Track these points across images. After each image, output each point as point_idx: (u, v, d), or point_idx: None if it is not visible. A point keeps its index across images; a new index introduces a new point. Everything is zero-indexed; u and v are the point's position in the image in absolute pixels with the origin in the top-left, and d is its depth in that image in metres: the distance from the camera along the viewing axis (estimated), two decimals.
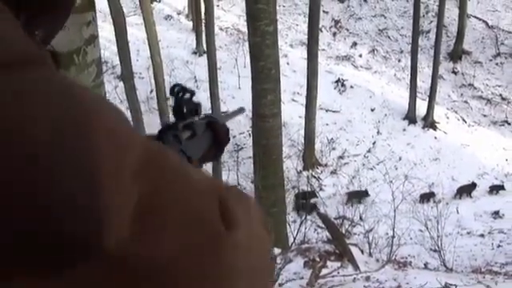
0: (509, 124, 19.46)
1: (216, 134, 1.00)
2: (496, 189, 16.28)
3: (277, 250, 7.38)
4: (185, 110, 0.93)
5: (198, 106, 0.96)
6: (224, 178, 13.14)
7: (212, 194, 0.44)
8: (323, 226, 9.09)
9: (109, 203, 0.34)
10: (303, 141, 17.08)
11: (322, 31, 19.82)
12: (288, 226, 10.53)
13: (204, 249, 0.40)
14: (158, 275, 0.37)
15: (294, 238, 9.75)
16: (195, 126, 0.94)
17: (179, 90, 0.92)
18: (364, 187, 15.72)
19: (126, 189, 0.36)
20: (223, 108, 16.85)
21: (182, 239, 0.39)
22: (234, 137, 17.58)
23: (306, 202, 13.04)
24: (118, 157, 0.36)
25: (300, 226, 10.22)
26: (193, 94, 0.95)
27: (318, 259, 6.17)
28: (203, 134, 0.98)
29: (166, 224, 0.38)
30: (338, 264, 6.16)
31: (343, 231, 9.82)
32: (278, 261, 6.55)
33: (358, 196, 15.42)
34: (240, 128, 17.78)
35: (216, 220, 0.42)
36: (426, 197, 15.63)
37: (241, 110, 1.26)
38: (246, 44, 10.86)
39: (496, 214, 15.21)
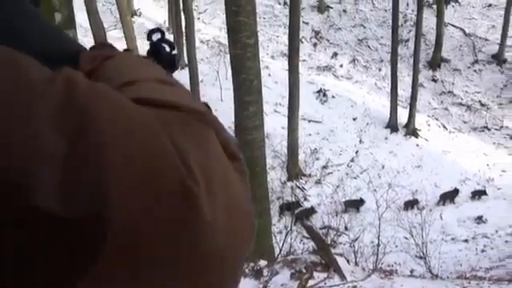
0: (489, 130, 19.71)
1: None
2: (478, 194, 16.45)
3: (263, 262, 7.36)
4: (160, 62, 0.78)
5: (175, 59, 0.83)
6: None
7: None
8: (309, 236, 9.10)
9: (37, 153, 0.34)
10: (286, 152, 17.11)
11: (302, 42, 19.96)
12: (274, 237, 10.51)
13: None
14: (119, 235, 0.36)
15: (280, 249, 9.74)
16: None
17: (158, 37, 0.80)
18: (348, 196, 15.78)
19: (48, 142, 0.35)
20: None
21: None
22: None
23: (292, 212, 13.05)
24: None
25: (286, 236, 10.21)
26: (172, 46, 0.83)
27: (304, 270, 6.16)
28: None
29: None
30: (325, 275, 6.16)
31: (329, 241, 9.84)
32: (265, 273, 6.53)
33: (354, 205, 15.52)
34: None
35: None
36: (410, 204, 15.73)
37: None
38: (228, 56, 10.88)
39: (479, 219, 15.36)
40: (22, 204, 0.34)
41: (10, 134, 0.34)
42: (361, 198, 15.61)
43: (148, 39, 0.80)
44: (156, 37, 0.80)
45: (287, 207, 13.92)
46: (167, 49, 0.81)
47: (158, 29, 0.81)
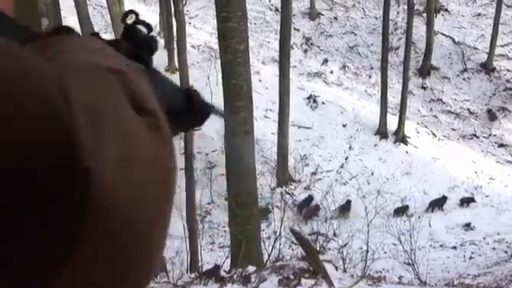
0: (477, 137, 19.86)
1: (192, 102, 0.84)
2: (467, 201, 16.55)
3: (251, 268, 7.34)
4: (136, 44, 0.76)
5: (153, 40, 0.79)
6: (197, 195, 13.05)
7: None
8: (297, 242, 9.09)
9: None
10: (276, 157, 17.12)
11: (293, 48, 20.02)
12: (263, 243, 10.49)
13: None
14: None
15: (269, 255, 9.72)
16: (149, 60, 0.78)
17: (132, 19, 0.77)
18: (338, 202, 15.82)
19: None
20: None
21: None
22: (207, 154, 17.53)
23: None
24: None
25: (274, 242, 10.19)
26: (150, 28, 0.79)
27: (292, 277, 6.16)
28: (169, 84, 0.83)
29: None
30: (312, 282, 6.16)
31: (318, 247, 9.83)
32: (253, 279, 6.51)
33: (345, 209, 15.78)
34: (213, 145, 17.74)
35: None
36: (401, 210, 15.80)
37: (221, 113, 1.14)
38: (219, 61, 10.89)
39: (467, 226, 15.44)
40: None
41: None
42: (347, 200, 15.90)
43: (122, 22, 0.77)
44: (130, 19, 0.77)
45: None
46: (144, 31, 0.78)
47: (131, 11, 0.78)
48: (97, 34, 0.66)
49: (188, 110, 0.83)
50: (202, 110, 0.86)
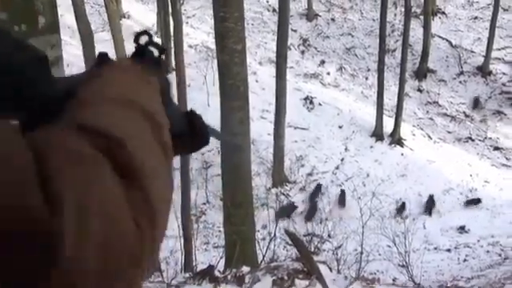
0: (472, 140, 19.90)
1: (193, 124, 0.89)
2: (473, 202, 16.66)
3: (246, 269, 7.34)
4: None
5: (162, 63, 0.80)
6: (192, 195, 13.04)
7: None
8: (292, 243, 9.09)
9: None
10: (272, 158, 17.12)
11: (290, 49, 20.03)
12: (257, 244, 10.50)
13: None
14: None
15: (264, 256, 9.72)
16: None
17: (145, 40, 0.77)
18: (333, 203, 15.86)
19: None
20: None
21: None
22: (203, 154, 17.51)
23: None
24: None
25: (269, 243, 10.20)
26: (161, 50, 0.80)
27: (286, 278, 6.16)
28: (176, 110, 0.85)
29: None
30: (306, 282, 6.16)
31: (312, 248, 9.83)
32: (247, 280, 6.51)
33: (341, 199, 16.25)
34: (209, 145, 17.69)
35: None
36: (402, 209, 16.10)
37: (218, 135, 1.18)
38: (215, 61, 10.88)
39: (462, 229, 15.49)
40: None
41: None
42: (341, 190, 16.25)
43: (135, 42, 0.77)
44: (143, 40, 0.77)
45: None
46: (155, 52, 0.78)
47: (145, 31, 0.78)
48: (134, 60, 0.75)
49: (190, 133, 0.88)
50: (203, 133, 0.91)
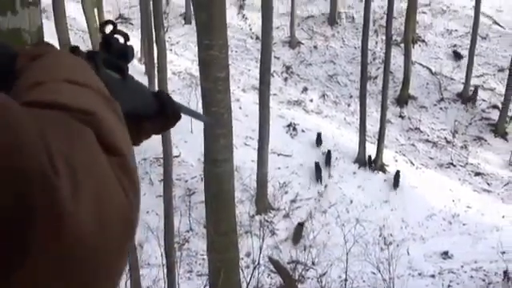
0: (454, 166, 20.10)
1: (163, 104, 0.90)
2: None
3: None
4: (113, 52, 0.80)
5: (129, 49, 0.83)
6: (176, 223, 12.92)
7: None
8: (276, 271, 9.03)
9: None
10: (256, 185, 17.09)
11: (273, 76, 20.20)
12: (241, 272, 10.41)
13: None
14: None
15: (248, 284, 9.64)
16: (125, 68, 0.81)
17: (110, 29, 0.81)
18: (316, 231, 15.79)
19: None
20: (175, 152, 16.74)
21: None
22: (186, 181, 17.43)
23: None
24: None
25: (253, 271, 10.12)
26: (126, 37, 0.83)
27: None
28: (142, 90, 0.87)
29: None
30: None
31: (296, 276, 9.78)
32: None
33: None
34: (192, 172, 17.66)
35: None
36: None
37: (204, 119, 1.19)
38: (199, 88, 10.92)
39: (445, 255, 15.53)
40: None
41: None
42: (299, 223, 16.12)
43: (100, 31, 0.81)
44: (108, 29, 0.80)
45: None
46: (121, 40, 0.81)
47: (110, 21, 0.82)
48: (76, 49, 0.72)
49: (160, 112, 0.90)
50: (174, 111, 0.92)
